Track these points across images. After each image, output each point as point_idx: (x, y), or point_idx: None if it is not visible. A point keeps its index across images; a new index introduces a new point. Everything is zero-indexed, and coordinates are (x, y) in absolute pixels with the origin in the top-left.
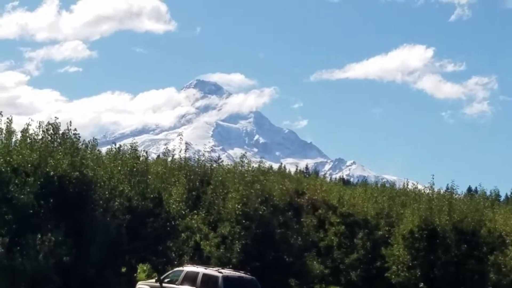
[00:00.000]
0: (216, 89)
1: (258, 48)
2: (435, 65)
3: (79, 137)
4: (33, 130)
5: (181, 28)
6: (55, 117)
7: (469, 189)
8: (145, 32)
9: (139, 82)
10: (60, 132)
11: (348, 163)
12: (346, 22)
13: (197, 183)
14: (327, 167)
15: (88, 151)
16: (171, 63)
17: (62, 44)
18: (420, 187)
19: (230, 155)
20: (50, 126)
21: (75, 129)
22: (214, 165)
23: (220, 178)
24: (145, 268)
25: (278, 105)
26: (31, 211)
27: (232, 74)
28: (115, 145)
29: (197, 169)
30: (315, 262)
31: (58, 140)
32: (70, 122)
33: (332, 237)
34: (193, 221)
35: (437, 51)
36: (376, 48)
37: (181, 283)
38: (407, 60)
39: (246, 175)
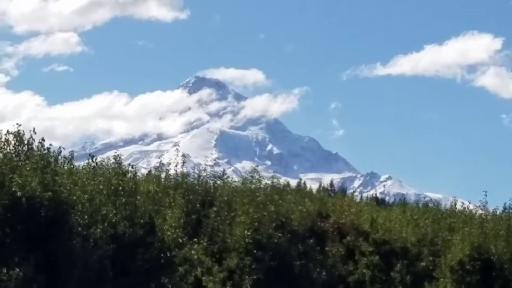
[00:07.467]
0: (219, 88)
1: (284, 40)
2: (502, 56)
3: (49, 148)
4: None
5: (194, 16)
6: (17, 124)
7: None
8: (148, 20)
9: (140, 81)
10: (26, 142)
11: (382, 178)
12: (390, 4)
13: (197, 205)
14: (356, 183)
15: (62, 166)
16: (179, 58)
17: (48, 35)
18: (471, 207)
19: (238, 170)
20: (11, 135)
21: (42, 138)
22: (218, 182)
23: (226, 198)
24: None
25: (310, 110)
26: None
27: (250, 70)
28: (93, 158)
29: (197, 187)
30: None
31: (25, 152)
32: (34, 129)
33: (364, 270)
34: (192, 252)
35: (508, 41)
36: (429, 37)
37: None
38: (467, 52)
39: (257, 194)
